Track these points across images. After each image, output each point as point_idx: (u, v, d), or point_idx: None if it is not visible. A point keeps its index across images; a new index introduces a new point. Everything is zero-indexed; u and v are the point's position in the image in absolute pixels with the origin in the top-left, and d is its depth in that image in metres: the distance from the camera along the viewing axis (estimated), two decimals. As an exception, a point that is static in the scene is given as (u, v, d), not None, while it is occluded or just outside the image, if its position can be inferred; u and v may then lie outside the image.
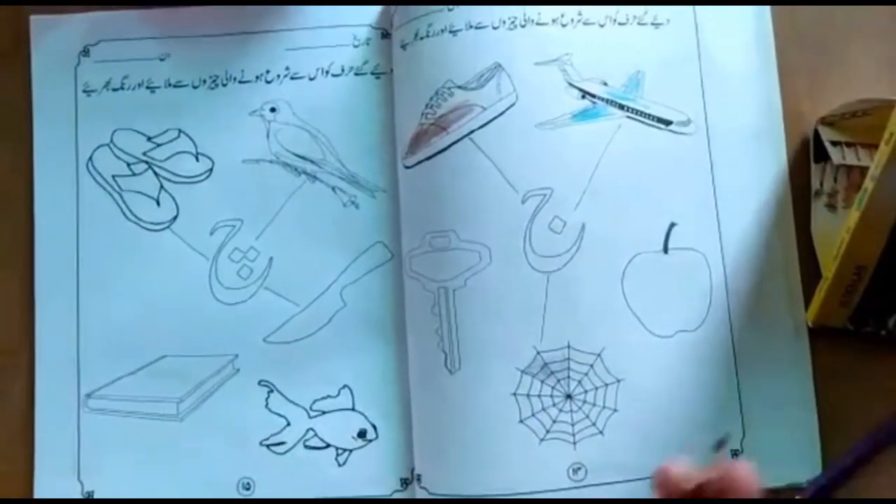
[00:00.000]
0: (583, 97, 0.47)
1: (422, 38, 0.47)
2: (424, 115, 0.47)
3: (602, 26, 0.48)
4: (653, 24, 0.49)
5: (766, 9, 0.49)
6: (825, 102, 0.48)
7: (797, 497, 0.46)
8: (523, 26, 0.47)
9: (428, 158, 0.47)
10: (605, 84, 0.47)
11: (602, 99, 0.47)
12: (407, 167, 0.48)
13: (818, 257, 0.47)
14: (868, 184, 0.41)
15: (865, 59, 0.49)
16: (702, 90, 0.48)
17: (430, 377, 0.46)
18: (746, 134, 0.48)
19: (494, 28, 0.47)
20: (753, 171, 0.48)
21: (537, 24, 0.47)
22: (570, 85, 0.47)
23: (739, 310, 0.47)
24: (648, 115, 0.48)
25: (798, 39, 0.49)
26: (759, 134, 0.48)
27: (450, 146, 0.47)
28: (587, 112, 0.47)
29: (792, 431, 0.46)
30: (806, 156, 0.48)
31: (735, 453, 0.46)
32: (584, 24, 0.48)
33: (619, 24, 0.48)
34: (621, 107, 0.47)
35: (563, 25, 0.47)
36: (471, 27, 0.47)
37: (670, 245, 0.47)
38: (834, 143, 0.47)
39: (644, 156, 0.47)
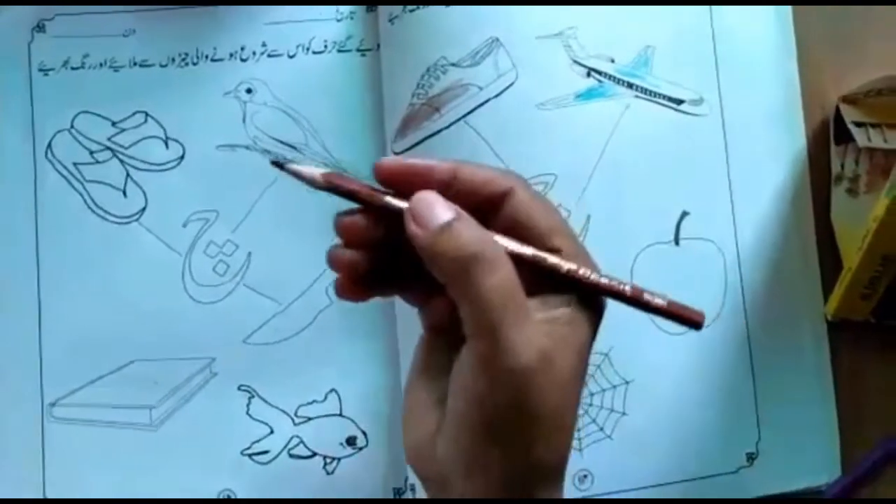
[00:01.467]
0: (588, 75, 0.44)
1: (412, 11, 0.44)
2: (415, 95, 0.44)
3: None
4: None
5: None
6: (847, 79, 0.45)
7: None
8: None
9: (419, 143, 0.44)
10: (613, 61, 0.44)
11: (609, 77, 0.44)
12: (396, 153, 0.44)
13: (838, 246, 0.44)
14: (900, 169, 0.38)
15: (892, 33, 0.46)
16: (716, 67, 0.45)
17: (425, 380, 0.43)
18: (763, 114, 0.45)
19: None
20: (770, 153, 0.45)
21: None
22: (575, 62, 0.44)
23: (755, 303, 0.45)
24: (659, 95, 0.45)
25: (818, 10, 0.46)
26: (777, 114, 0.46)
27: (443, 129, 0.43)
28: (593, 91, 0.44)
29: (810, 431, 0.44)
30: (825, 137, 0.46)
31: (751, 457, 0.44)
32: None
33: None
34: (630, 85, 0.44)
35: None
36: None
37: (682, 235, 0.44)
38: (858, 124, 0.44)
39: (654, 139, 0.44)
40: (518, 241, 0.30)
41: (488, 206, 0.30)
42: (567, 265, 0.30)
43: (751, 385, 0.44)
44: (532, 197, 0.31)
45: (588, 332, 0.30)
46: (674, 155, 0.45)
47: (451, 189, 0.30)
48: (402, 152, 0.44)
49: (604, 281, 0.30)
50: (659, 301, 0.31)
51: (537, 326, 0.28)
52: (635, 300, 0.30)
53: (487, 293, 0.27)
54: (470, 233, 0.28)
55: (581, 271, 0.30)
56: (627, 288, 0.30)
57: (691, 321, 0.31)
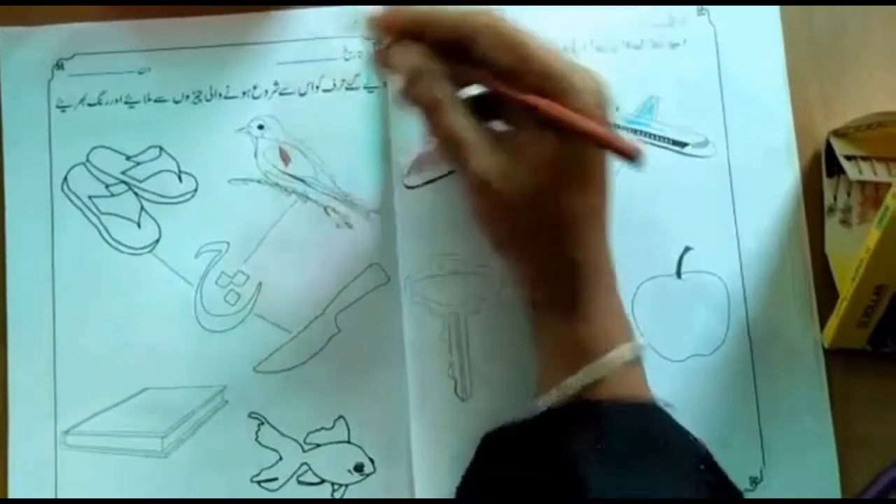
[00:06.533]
0: None
1: None
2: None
3: (615, 51, 0.47)
4: (670, 44, 0.47)
5: (778, 17, 0.48)
6: (837, 113, 0.47)
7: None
8: None
9: (433, 180, 0.45)
10: (616, 110, 0.46)
11: (613, 125, 0.46)
12: (409, 187, 0.45)
13: (833, 276, 0.45)
14: (890, 202, 0.39)
15: (879, 68, 0.48)
16: (723, 110, 0.47)
17: (437, 405, 0.44)
18: (764, 150, 0.47)
19: None
20: (770, 188, 0.47)
21: None
22: None
23: (757, 333, 0.46)
24: (662, 139, 0.47)
25: (810, 47, 0.48)
26: (776, 149, 0.47)
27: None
28: None
29: (810, 457, 0.45)
30: (818, 169, 0.47)
31: (754, 481, 0.44)
32: (597, 49, 0.47)
33: (634, 47, 0.47)
34: (634, 132, 0.46)
35: (574, 52, 0.47)
36: None
37: (686, 269, 0.46)
38: (849, 158, 0.45)
39: (657, 180, 0.46)
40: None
41: (463, 45, 0.37)
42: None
43: (755, 412, 0.45)
44: (495, 44, 0.37)
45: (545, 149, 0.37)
46: (678, 194, 0.46)
47: (427, 32, 0.38)
48: (415, 187, 0.45)
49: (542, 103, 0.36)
50: (595, 128, 0.35)
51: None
52: (571, 127, 0.35)
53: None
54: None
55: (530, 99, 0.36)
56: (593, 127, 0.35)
57: (627, 153, 0.34)
